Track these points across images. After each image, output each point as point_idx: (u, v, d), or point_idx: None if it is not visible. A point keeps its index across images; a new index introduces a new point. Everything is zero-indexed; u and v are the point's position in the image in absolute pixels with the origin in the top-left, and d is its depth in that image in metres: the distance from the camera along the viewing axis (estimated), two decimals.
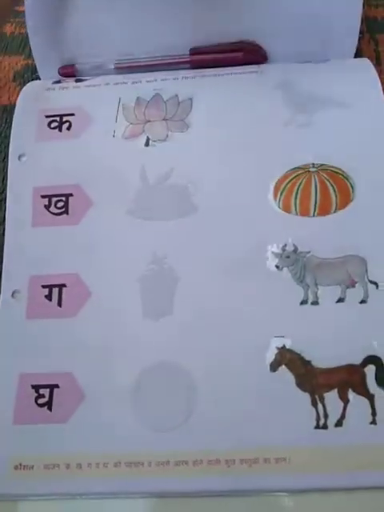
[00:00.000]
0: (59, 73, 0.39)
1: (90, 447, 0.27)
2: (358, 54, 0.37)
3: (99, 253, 0.31)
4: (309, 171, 0.31)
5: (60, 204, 0.32)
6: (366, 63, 0.35)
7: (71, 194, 0.32)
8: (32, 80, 0.39)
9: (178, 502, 0.26)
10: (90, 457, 0.26)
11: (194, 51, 0.37)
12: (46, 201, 0.32)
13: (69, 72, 0.38)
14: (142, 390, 0.28)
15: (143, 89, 0.35)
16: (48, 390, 0.28)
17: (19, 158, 0.33)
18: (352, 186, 0.31)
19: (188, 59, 0.37)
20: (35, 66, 0.39)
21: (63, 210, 0.32)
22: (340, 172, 0.31)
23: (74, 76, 0.38)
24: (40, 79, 0.39)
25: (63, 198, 0.32)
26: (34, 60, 0.39)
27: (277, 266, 0.29)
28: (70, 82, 0.37)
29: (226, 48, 0.37)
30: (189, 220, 0.31)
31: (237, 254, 0.30)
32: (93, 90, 0.36)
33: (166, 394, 0.28)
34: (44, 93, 0.36)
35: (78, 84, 0.36)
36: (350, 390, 0.27)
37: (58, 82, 0.37)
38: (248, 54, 0.37)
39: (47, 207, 0.32)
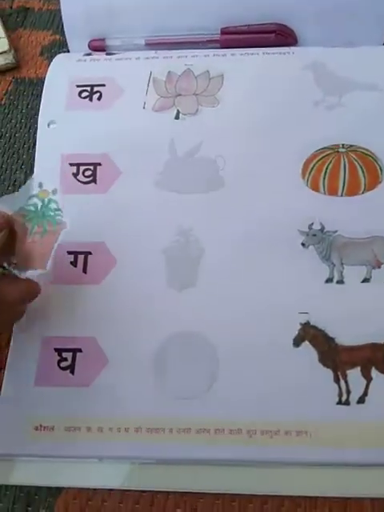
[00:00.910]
0: (89, 47, 0.39)
1: (112, 412, 0.27)
2: None
3: (126, 222, 0.31)
4: (338, 152, 0.31)
5: (88, 173, 0.32)
6: None
7: (99, 164, 0.32)
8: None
9: (198, 468, 0.26)
10: (111, 421, 0.27)
11: (225, 31, 0.37)
12: (74, 169, 0.32)
13: (99, 46, 0.38)
14: (165, 358, 0.28)
15: (174, 64, 0.35)
16: (71, 353, 0.28)
17: (48, 125, 0.33)
18: (381, 168, 0.31)
19: (218, 38, 0.37)
20: (63, 41, 0.40)
21: (91, 178, 0.32)
22: (369, 154, 0.31)
23: (104, 50, 0.38)
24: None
25: (91, 167, 0.32)
26: (61, 35, 0.39)
27: (303, 244, 0.30)
28: (101, 55, 0.37)
29: (256, 29, 0.37)
30: (216, 194, 0.31)
31: (263, 230, 0.30)
32: (124, 63, 0.36)
33: (188, 362, 0.28)
34: (75, 63, 0.36)
35: (109, 57, 0.36)
36: (374, 369, 0.27)
37: (89, 54, 0.37)
38: (279, 36, 0.37)
39: (75, 175, 0.32)
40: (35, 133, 0.37)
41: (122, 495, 0.26)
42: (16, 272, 0.27)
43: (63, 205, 0.31)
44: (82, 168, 0.32)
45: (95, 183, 0.32)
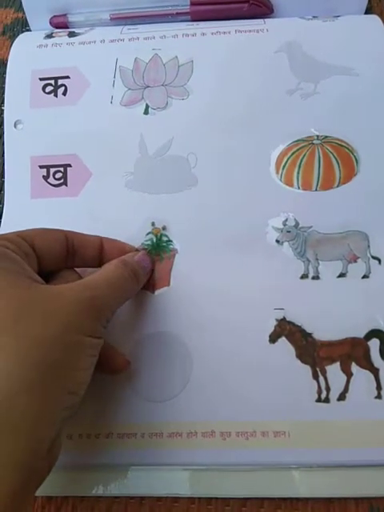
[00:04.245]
0: (51, 24, 0.37)
1: (82, 417, 0.26)
2: (368, 13, 0.35)
3: (98, 225, 0.29)
4: (312, 143, 0.30)
5: (58, 175, 0.31)
6: (375, 20, 0.33)
7: (70, 165, 0.31)
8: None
9: (171, 473, 0.25)
10: (80, 427, 0.26)
11: (195, 1, 0.35)
12: (44, 171, 0.31)
13: (61, 23, 0.36)
14: (137, 359, 0.27)
15: (141, 48, 0.33)
16: None
17: (15, 125, 0.32)
18: (356, 160, 0.30)
19: (188, 10, 0.35)
20: (26, 20, 0.37)
21: (62, 181, 0.31)
22: (345, 145, 0.30)
23: (66, 27, 0.36)
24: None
25: (61, 169, 0.31)
26: (24, 13, 0.37)
27: (277, 241, 0.29)
28: (63, 38, 0.34)
29: None
30: (189, 192, 0.30)
31: (237, 228, 0.29)
32: (88, 48, 0.34)
33: (160, 364, 0.27)
34: (36, 51, 0.34)
35: (72, 39, 0.34)
36: (354, 364, 0.26)
37: (50, 35, 0.35)
38: (253, 6, 0.35)
39: (45, 178, 0.31)
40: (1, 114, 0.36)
41: (93, 502, 0.26)
42: None
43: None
44: (52, 170, 0.31)
45: (66, 186, 0.31)
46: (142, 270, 0.27)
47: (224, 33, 0.33)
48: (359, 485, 0.25)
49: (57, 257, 0.25)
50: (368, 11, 0.35)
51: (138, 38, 0.33)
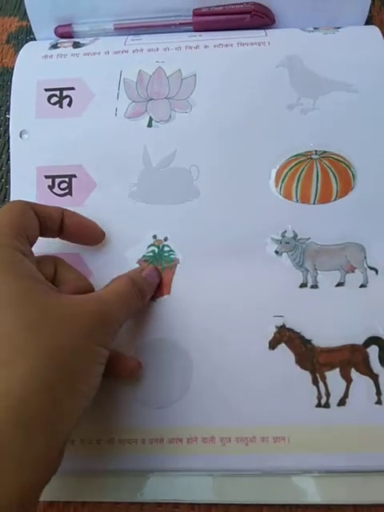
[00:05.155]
0: (55, 33, 0.37)
1: (83, 423, 0.26)
2: (369, 22, 0.35)
3: None
4: (311, 158, 0.31)
5: (63, 185, 0.32)
6: (374, 32, 0.33)
7: (74, 176, 0.32)
8: (27, 42, 0.37)
9: (170, 479, 0.25)
10: (82, 433, 0.26)
11: (198, 12, 0.36)
12: (49, 181, 0.32)
13: (65, 32, 0.37)
14: None
15: (145, 60, 0.33)
16: None
17: (21, 135, 0.33)
18: (353, 174, 0.30)
19: (190, 21, 0.36)
20: (30, 28, 0.38)
21: (67, 191, 0.32)
22: (342, 160, 0.30)
23: (71, 37, 0.37)
24: (36, 40, 0.38)
25: (66, 179, 0.32)
26: (29, 21, 0.38)
27: (276, 252, 0.30)
28: (68, 48, 0.35)
29: (231, 10, 0.35)
30: (191, 204, 0.31)
31: (237, 239, 0.30)
32: (92, 59, 0.34)
33: (160, 370, 0.27)
34: (41, 61, 0.34)
35: (77, 51, 0.35)
36: (353, 370, 0.26)
37: (56, 45, 0.36)
38: (255, 17, 0.35)
39: (51, 188, 0.32)
40: (1, 126, 0.36)
41: (94, 507, 0.26)
42: None
43: None
44: (57, 180, 0.32)
45: (71, 196, 0.32)
46: (148, 286, 0.28)
47: (226, 45, 0.33)
48: (358, 492, 0.25)
49: (36, 235, 0.26)
50: (369, 20, 0.36)
51: (142, 50, 0.34)
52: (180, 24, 0.36)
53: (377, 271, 0.29)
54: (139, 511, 0.26)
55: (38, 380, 0.19)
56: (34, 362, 0.19)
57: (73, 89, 0.33)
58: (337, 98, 0.31)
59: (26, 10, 0.37)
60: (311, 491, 0.25)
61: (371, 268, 0.29)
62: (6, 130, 0.35)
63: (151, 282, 0.28)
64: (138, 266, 0.30)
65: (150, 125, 0.32)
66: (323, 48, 0.33)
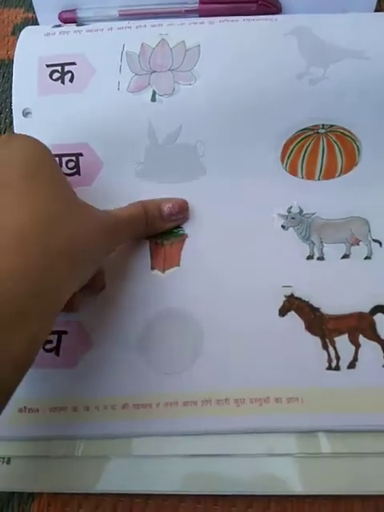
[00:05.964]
0: (59, 18, 0.38)
1: (98, 391, 0.27)
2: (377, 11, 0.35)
3: None
4: (318, 133, 0.31)
5: (71, 164, 0.32)
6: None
7: (81, 154, 0.32)
8: None
9: (187, 440, 0.25)
10: (97, 400, 0.26)
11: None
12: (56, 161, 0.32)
13: (69, 18, 0.37)
14: (150, 335, 0.28)
15: (148, 34, 0.33)
16: (56, 335, 0.28)
17: (24, 114, 0.32)
18: (358, 149, 0.31)
19: (196, 8, 0.36)
20: (36, 19, 0.38)
21: (75, 170, 0.32)
22: (348, 134, 0.31)
23: (75, 23, 0.37)
24: None
25: (73, 158, 0.32)
26: (34, 12, 0.38)
27: (283, 226, 0.31)
28: (71, 26, 0.35)
29: None
30: (198, 182, 0.32)
31: (244, 215, 0.31)
32: (95, 35, 0.33)
33: (172, 338, 0.28)
34: (43, 38, 0.34)
35: (79, 28, 0.34)
36: (361, 336, 0.27)
37: (58, 26, 0.35)
38: (262, 6, 0.35)
39: None
40: (6, 118, 0.36)
41: (98, 501, 0.26)
42: None
43: None
44: (64, 159, 0.32)
45: (79, 175, 0.32)
46: (163, 213, 0.30)
47: (232, 21, 0.33)
48: (366, 481, 0.25)
49: None
50: (377, 11, 0.35)
51: (146, 26, 0.33)
52: (186, 11, 0.36)
53: (381, 243, 0.30)
54: (144, 505, 0.26)
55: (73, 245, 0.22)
56: (64, 241, 0.22)
57: (74, 64, 0.32)
58: (348, 67, 0.30)
59: (31, 2, 0.37)
60: (318, 482, 0.25)
61: (375, 240, 0.30)
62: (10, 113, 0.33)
63: (170, 214, 0.30)
64: (148, 244, 0.30)
65: (153, 99, 0.31)
66: (332, 21, 0.32)
